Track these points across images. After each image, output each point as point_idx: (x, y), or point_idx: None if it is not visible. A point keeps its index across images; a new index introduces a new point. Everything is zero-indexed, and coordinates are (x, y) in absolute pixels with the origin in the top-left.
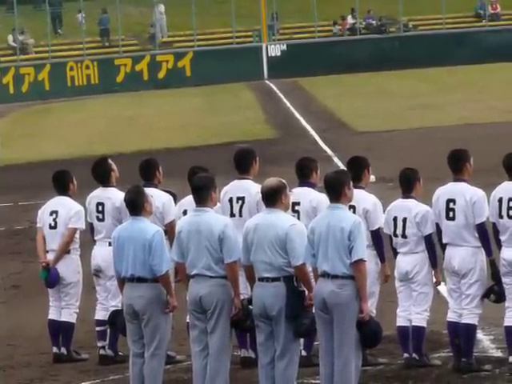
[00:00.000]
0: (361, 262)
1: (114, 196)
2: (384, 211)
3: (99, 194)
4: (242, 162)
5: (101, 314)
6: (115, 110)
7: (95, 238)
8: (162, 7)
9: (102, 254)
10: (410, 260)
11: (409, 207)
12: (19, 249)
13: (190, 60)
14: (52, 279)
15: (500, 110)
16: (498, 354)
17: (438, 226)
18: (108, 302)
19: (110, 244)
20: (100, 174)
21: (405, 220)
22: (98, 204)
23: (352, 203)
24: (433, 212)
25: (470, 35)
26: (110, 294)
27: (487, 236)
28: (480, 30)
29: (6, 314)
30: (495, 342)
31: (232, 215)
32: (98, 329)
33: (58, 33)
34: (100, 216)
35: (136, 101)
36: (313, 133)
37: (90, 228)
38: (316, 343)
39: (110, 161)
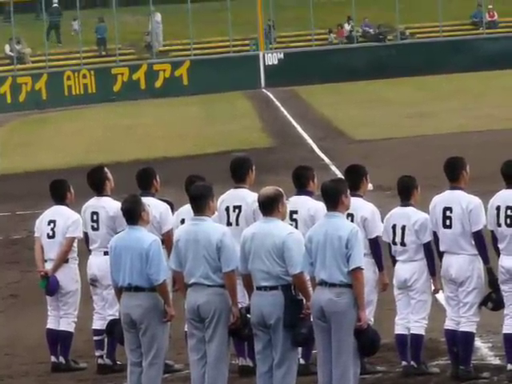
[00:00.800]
0: (358, 270)
1: (108, 205)
2: (382, 219)
3: (94, 203)
4: (238, 171)
5: (98, 324)
6: (112, 119)
7: (90, 247)
8: (158, 16)
9: (97, 263)
10: (408, 268)
11: (408, 215)
12: (17, 258)
13: (187, 69)
14: (52, 287)
15: (497, 117)
16: (497, 361)
17: (435, 234)
18: (105, 311)
19: (105, 253)
20: (95, 182)
21: (404, 228)
22: (93, 213)
23: (350, 211)
24: (430, 220)
25: (467, 43)
26: (107, 303)
27: (484, 244)
28: (477, 37)
29: (4, 323)
30: (493, 349)
31: (229, 224)
32: (95, 338)
33: (59, 42)
34: (95, 225)
35: (133, 110)
36: (310, 141)
37: (85, 237)
38: (314, 352)
39: (105, 169)
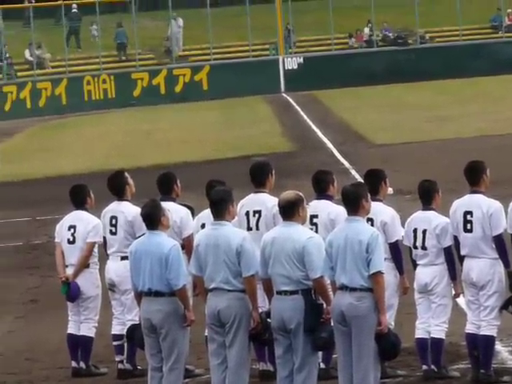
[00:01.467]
0: (379, 274)
1: (126, 210)
2: (402, 223)
3: (113, 207)
4: (258, 176)
5: (117, 329)
6: (132, 124)
7: (108, 251)
8: (180, 21)
9: (114, 268)
10: (429, 272)
11: (429, 219)
12: (37, 263)
13: (207, 73)
14: (73, 293)
15: None
16: None
17: (455, 238)
18: (124, 316)
19: (122, 258)
20: (115, 187)
21: (425, 232)
22: (112, 218)
23: (370, 216)
24: (451, 224)
25: (487, 47)
26: (126, 308)
27: (504, 247)
28: (497, 41)
29: (25, 328)
30: None
31: (249, 229)
32: (115, 343)
33: (79, 47)
34: (113, 230)
35: (153, 115)
36: (330, 145)
37: (104, 242)
38: (334, 356)
39: (126, 174)
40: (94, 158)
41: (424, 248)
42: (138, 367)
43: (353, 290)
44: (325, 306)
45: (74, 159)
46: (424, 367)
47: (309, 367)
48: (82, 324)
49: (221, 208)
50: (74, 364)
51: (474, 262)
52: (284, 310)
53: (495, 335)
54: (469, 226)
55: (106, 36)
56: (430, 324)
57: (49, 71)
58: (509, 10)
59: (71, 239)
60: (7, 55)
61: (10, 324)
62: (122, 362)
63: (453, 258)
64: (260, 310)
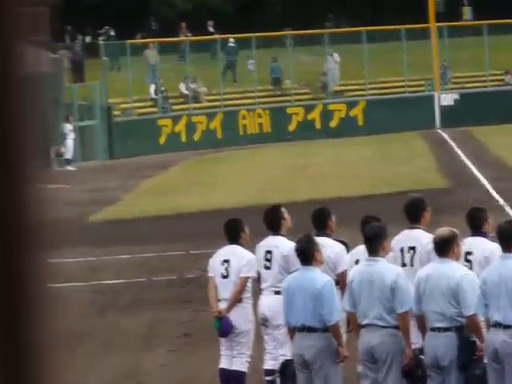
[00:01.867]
0: None
1: (281, 244)
2: None
3: (268, 242)
4: (413, 212)
5: (269, 364)
6: (287, 158)
7: (261, 286)
8: (336, 56)
9: (267, 303)
10: None
11: None
12: (190, 297)
13: (363, 109)
14: (225, 328)
15: None
16: None
17: None
18: (276, 350)
19: (275, 293)
20: (271, 221)
21: None
22: (267, 252)
23: None
24: None
25: None
26: (278, 342)
27: None
28: None
29: (178, 362)
30: None
31: (403, 265)
32: (267, 378)
33: (235, 81)
34: (267, 264)
35: (308, 149)
36: (485, 182)
37: (257, 277)
38: None
39: (282, 209)
40: (249, 193)
41: None
42: None
43: (507, 327)
44: (478, 342)
45: (229, 193)
46: None
47: None
48: (234, 359)
49: (375, 244)
50: None
51: None
52: (437, 347)
53: None
54: None
55: (262, 70)
56: None
57: (204, 105)
58: None
59: (225, 273)
60: (162, 89)
61: (164, 357)
62: None
63: None
64: (413, 347)
